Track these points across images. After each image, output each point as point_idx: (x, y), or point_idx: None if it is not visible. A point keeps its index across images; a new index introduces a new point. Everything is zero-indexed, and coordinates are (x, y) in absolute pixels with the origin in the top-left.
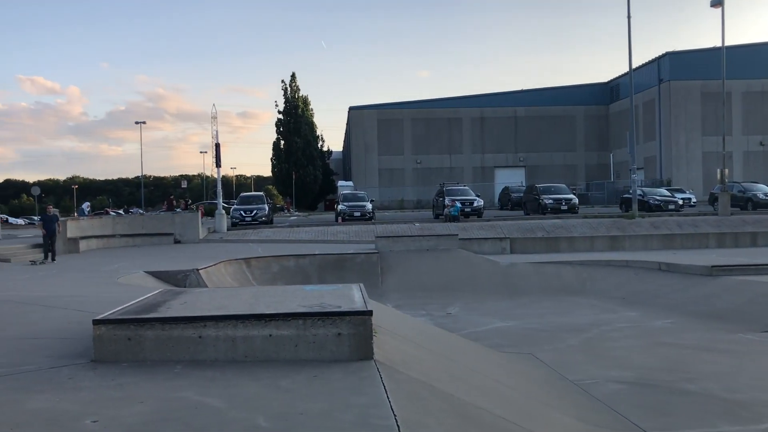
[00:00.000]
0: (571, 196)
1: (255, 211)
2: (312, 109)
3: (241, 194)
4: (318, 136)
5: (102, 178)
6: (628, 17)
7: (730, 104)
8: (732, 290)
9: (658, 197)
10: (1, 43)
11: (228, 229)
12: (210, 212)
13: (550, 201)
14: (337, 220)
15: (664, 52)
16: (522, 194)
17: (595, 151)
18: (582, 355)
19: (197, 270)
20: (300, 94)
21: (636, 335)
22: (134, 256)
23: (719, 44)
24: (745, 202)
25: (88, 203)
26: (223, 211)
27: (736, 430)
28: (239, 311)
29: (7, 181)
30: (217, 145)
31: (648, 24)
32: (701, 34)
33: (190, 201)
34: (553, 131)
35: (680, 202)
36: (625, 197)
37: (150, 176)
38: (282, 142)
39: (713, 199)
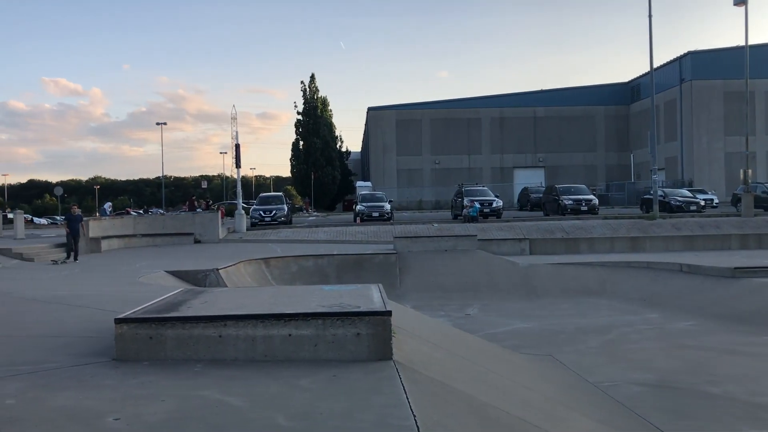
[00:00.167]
0: (591, 196)
1: (274, 212)
2: (331, 110)
3: (261, 194)
4: (337, 137)
5: (123, 178)
6: (650, 16)
7: (753, 104)
8: (755, 292)
9: (679, 198)
10: (26, 45)
11: (247, 229)
12: (230, 212)
13: (570, 202)
14: (355, 221)
15: (685, 52)
16: (541, 195)
17: (616, 152)
18: (602, 356)
19: (217, 270)
20: (319, 95)
21: (657, 337)
22: (155, 255)
23: (742, 43)
24: None
25: (110, 203)
26: (243, 212)
27: None
28: (259, 311)
29: (31, 182)
30: (237, 146)
31: (669, 23)
32: (723, 33)
33: (211, 201)
34: (573, 131)
35: (702, 203)
36: (645, 198)
37: (171, 177)
38: (301, 142)
39: (736, 200)
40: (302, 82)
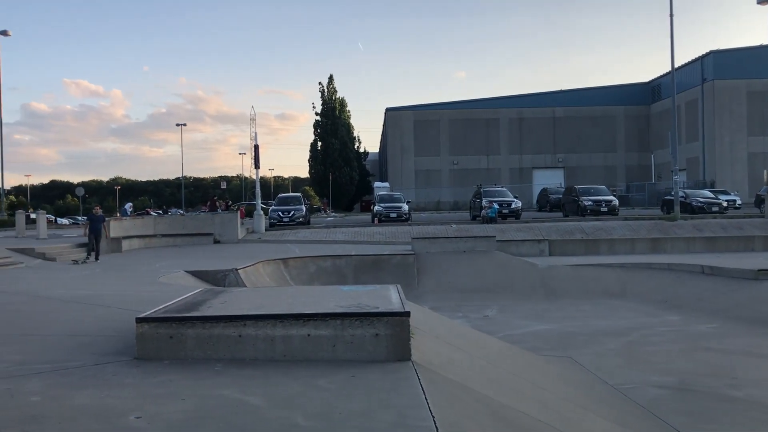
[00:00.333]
0: (611, 197)
1: (292, 212)
2: (349, 111)
3: (279, 195)
4: (355, 138)
5: (144, 179)
6: (671, 16)
7: None
8: None
9: (701, 199)
10: (49, 48)
11: (266, 230)
12: (250, 213)
13: (590, 202)
14: (373, 221)
15: (707, 51)
16: (561, 196)
17: (636, 152)
18: (622, 359)
19: (236, 270)
20: (337, 96)
21: (678, 339)
22: (175, 255)
23: (765, 42)
24: None
25: (130, 204)
26: (262, 212)
27: None
28: (278, 311)
29: (53, 182)
30: (256, 147)
31: (691, 23)
32: (746, 32)
33: (231, 201)
34: (593, 132)
35: (724, 203)
36: (666, 199)
37: (190, 177)
38: (319, 143)
39: (759, 201)
40: (320, 83)
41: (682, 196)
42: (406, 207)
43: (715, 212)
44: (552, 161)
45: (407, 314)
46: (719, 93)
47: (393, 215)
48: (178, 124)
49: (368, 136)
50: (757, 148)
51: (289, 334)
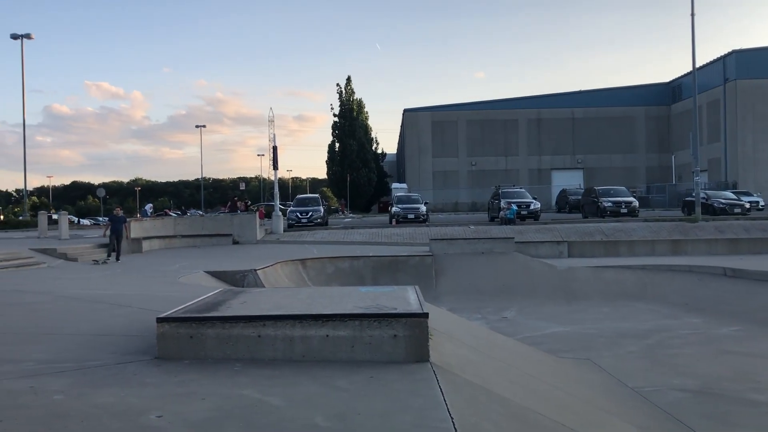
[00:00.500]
0: (631, 198)
1: (310, 213)
2: (367, 112)
3: (297, 196)
4: (372, 139)
5: (163, 180)
6: (692, 15)
7: None
8: None
9: (723, 200)
10: (71, 50)
11: (284, 231)
12: (269, 214)
13: (610, 204)
14: (391, 222)
15: (730, 51)
16: (580, 197)
17: (656, 153)
18: (642, 361)
19: (255, 270)
20: (355, 97)
21: (700, 342)
22: (194, 256)
23: None
24: None
25: (150, 204)
26: (280, 213)
27: None
28: (297, 311)
29: (74, 183)
30: (275, 148)
31: (712, 21)
32: None
33: (250, 202)
34: (612, 132)
35: (747, 205)
36: (687, 200)
37: (209, 178)
38: (337, 144)
39: None
40: (338, 85)
41: (704, 198)
42: (423, 208)
43: (737, 214)
44: (571, 162)
45: (426, 315)
46: (742, 93)
47: (411, 216)
48: (197, 126)
49: (386, 137)
50: None
51: (308, 335)
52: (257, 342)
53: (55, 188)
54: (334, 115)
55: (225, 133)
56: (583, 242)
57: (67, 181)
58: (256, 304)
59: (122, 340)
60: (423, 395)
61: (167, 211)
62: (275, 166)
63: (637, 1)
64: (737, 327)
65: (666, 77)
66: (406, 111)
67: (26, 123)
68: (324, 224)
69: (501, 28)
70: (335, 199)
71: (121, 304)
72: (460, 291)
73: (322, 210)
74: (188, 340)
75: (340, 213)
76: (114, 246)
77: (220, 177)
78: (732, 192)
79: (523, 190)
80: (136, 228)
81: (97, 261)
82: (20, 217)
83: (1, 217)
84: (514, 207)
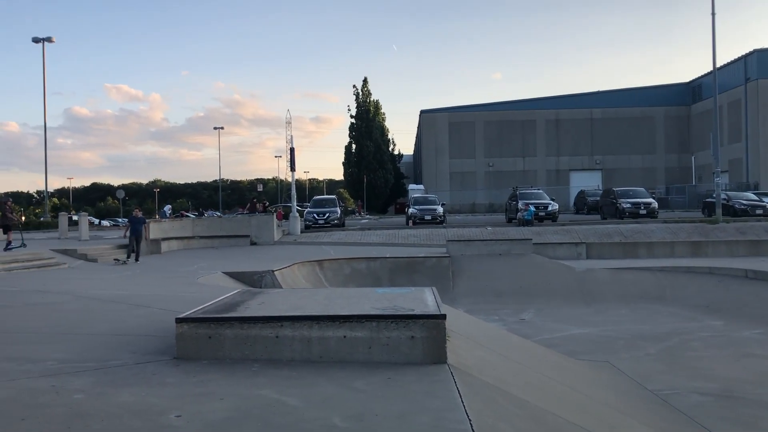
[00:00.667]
0: (650, 199)
1: (327, 214)
2: (383, 113)
3: (314, 197)
4: (389, 140)
5: (182, 181)
6: (713, 14)
7: None
8: None
9: (744, 201)
10: (91, 53)
11: (301, 232)
12: (287, 215)
13: (628, 205)
14: (407, 224)
15: (751, 50)
16: (598, 198)
17: (676, 154)
18: (662, 364)
19: (272, 271)
20: (371, 99)
21: (721, 345)
22: (212, 257)
23: None
24: None
25: (169, 206)
26: (297, 214)
27: None
28: (314, 312)
29: (94, 185)
30: (292, 150)
31: (733, 20)
32: None
33: (268, 203)
34: (631, 133)
35: None
36: (707, 201)
37: (227, 180)
38: (354, 146)
39: None
40: (355, 86)
41: (724, 199)
42: (440, 209)
43: (758, 215)
44: (589, 163)
45: (443, 317)
46: (763, 92)
47: (427, 217)
48: (215, 128)
49: (403, 138)
50: None
51: (326, 336)
52: (275, 342)
53: (75, 190)
54: (351, 117)
55: (243, 134)
56: (602, 244)
57: (87, 183)
58: (274, 305)
59: (141, 340)
60: (440, 397)
61: (183, 212)
62: (292, 168)
63: (657, 1)
64: (759, 330)
65: (686, 77)
66: (423, 112)
67: (47, 125)
68: (341, 225)
69: (518, 28)
70: (352, 200)
71: (141, 304)
72: (478, 292)
73: (339, 211)
74: (207, 340)
75: (357, 214)
76: (133, 247)
77: (238, 178)
78: (753, 193)
79: (540, 191)
80: (155, 229)
81: (118, 259)
82: (41, 219)
83: (23, 218)
84: (532, 208)
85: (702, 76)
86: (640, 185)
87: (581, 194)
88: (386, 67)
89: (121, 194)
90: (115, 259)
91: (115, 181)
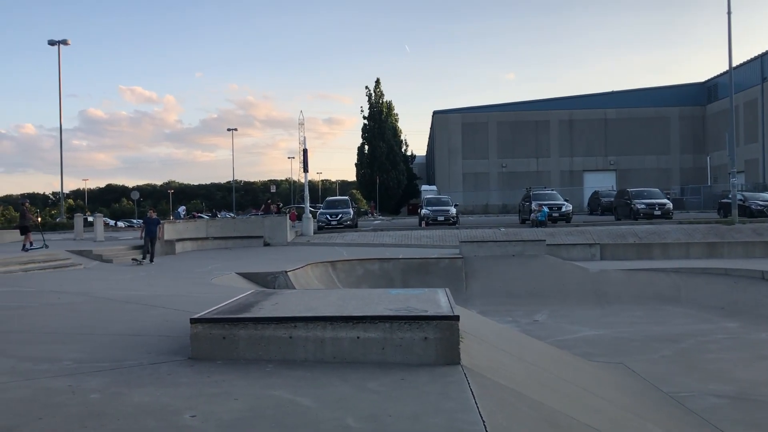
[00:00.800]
0: (665, 200)
1: (340, 215)
2: (396, 114)
3: (327, 198)
4: (402, 141)
5: (196, 182)
6: (728, 13)
7: None
8: None
9: (760, 202)
10: (106, 55)
11: (314, 233)
12: (300, 216)
13: (643, 206)
14: (420, 225)
15: (767, 49)
16: (612, 199)
17: (691, 154)
18: (677, 366)
19: (286, 272)
20: (384, 100)
21: (737, 347)
22: (226, 258)
23: None
24: None
25: (183, 207)
26: (310, 215)
27: None
28: (328, 313)
29: (109, 186)
30: (305, 151)
31: (750, 19)
32: None
33: (282, 204)
34: (646, 133)
35: None
36: (723, 202)
37: (241, 181)
38: (366, 147)
39: None
40: (367, 87)
41: (740, 199)
42: (453, 210)
43: None
44: (603, 164)
45: (456, 318)
46: None
47: (440, 218)
48: (229, 129)
49: (415, 139)
50: None
51: (339, 336)
52: (289, 343)
53: (90, 191)
54: (364, 118)
55: (256, 136)
56: (616, 245)
57: (102, 184)
58: (288, 306)
59: (156, 340)
60: (454, 398)
61: (195, 213)
62: (305, 169)
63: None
64: None
65: (701, 77)
66: (435, 113)
67: (63, 127)
68: (353, 226)
69: (532, 28)
70: (365, 201)
71: (155, 304)
72: (491, 294)
73: (352, 212)
74: (221, 340)
75: (370, 215)
76: (148, 248)
77: (251, 179)
78: None
79: (554, 192)
80: (169, 230)
81: (136, 259)
82: (57, 220)
83: (39, 219)
84: (546, 209)
85: (718, 76)
86: (655, 186)
87: (595, 195)
88: (399, 67)
89: (135, 195)
90: (133, 259)
91: (130, 183)
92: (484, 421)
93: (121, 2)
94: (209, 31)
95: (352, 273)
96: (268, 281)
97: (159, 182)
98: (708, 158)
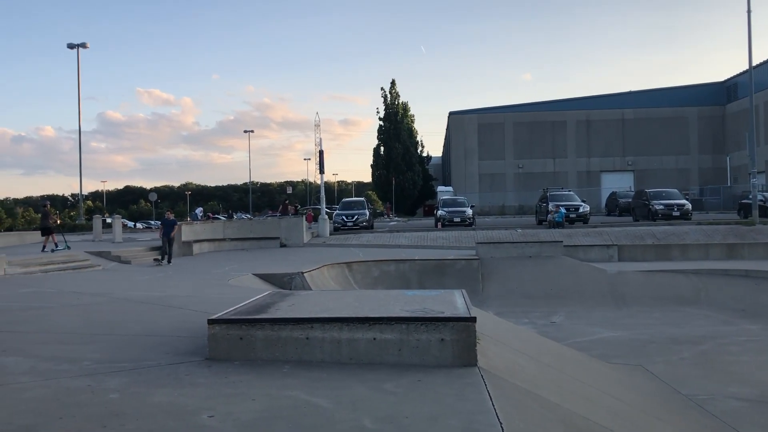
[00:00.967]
0: (684, 201)
1: (356, 216)
2: (412, 115)
3: (343, 200)
4: (417, 142)
5: (213, 184)
6: (748, 12)
7: None
8: None
9: None
10: (124, 58)
11: (330, 234)
12: (317, 217)
13: (661, 206)
14: (436, 226)
15: None
16: (630, 199)
17: (710, 154)
18: (696, 368)
19: (302, 273)
20: (400, 101)
21: (758, 350)
22: (243, 259)
23: None
24: None
25: (201, 208)
26: (326, 216)
27: None
28: (344, 314)
29: (127, 188)
30: (321, 152)
31: None
32: None
33: (299, 205)
34: (664, 133)
35: None
36: (743, 202)
37: (257, 182)
38: (382, 148)
39: None
40: (383, 89)
41: (761, 200)
42: (469, 211)
43: None
44: (621, 164)
45: (473, 319)
46: None
47: (456, 219)
48: (245, 131)
49: (431, 140)
50: None
51: (355, 338)
52: (305, 344)
53: (108, 193)
54: (380, 119)
55: (272, 137)
56: (634, 246)
57: (121, 186)
58: (304, 307)
59: (174, 340)
60: (471, 400)
61: (210, 215)
62: (321, 170)
63: None
64: None
65: (721, 76)
66: (451, 114)
67: (81, 129)
68: (369, 227)
69: (548, 28)
70: (380, 202)
71: (173, 305)
72: (508, 295)
73: (368, 213)
74: (238, 341)
75: (386, 216)
76: (166, 249)
77: (268, 181)
78: None
79: (571, 192)
80: (187, 231)
81: (157, 259)
82: (76, 221)
83: (59, 220)
84: (563, 210)
85: (737, 75)
86: (673, 186)
87: (613, 196)
88: (414, 68)
89: (153, 197)
90: (154, 259)
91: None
92: (501, 423)
93: (139, 6)
94: (226, 33)
95: (368, 274)
96: (284, 282)
97: (176, 184)
98: (728, 158)
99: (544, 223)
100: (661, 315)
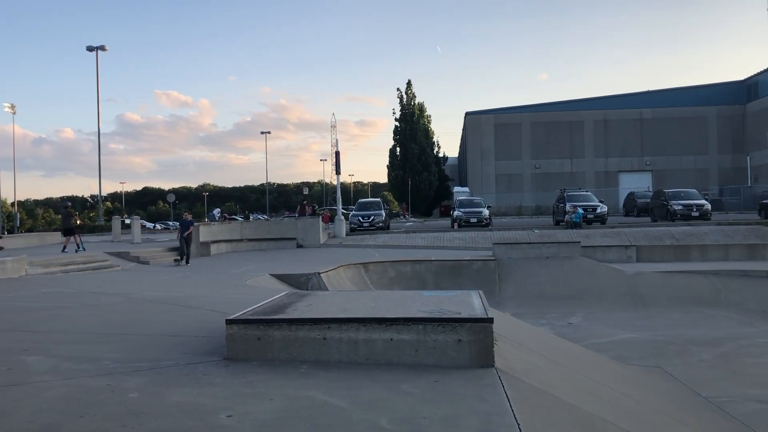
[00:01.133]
0: (703, 201)
1: (372, 217)
2: (428, 116)
3: (359, 200)
4: (434, 142)
5: (230, 185)
6: None
7: None
8: None
9: None
10: (142, 61)
11: (347, 234)
12: (333, 218)
13: (680, 207)
14: (452, 226)
15: None
16: (648, 200)
17: (730, 154)
18: (716, 370)
19: (319, 273)
20: (416, 101)
21: None
22: (260, 259)
23: None
24: None
25: (218, 209)
26: (343, 217)
27: None
28: (361, 315)
29: (145, 189)
30: (337, 153)
31: None
32: None
33: (317, 206)
34: (683, 133)
35: None
36: (764, 203)
37: (274, 183)
38: (398, 148)
39: None
40: (398, 89)
41: None
42: (486, 212)
43: None
44: (639, 164)
45: (490, 320)
46: None
47: (473, 220)
48: (262, 132)
49: (447, 141)
50: None
51: (372, 338)
52: (322, 344)
53: (127, 194)
54: (396, 120)
55: (289, 138)
56: (653, 247)
57: (139, 187)
58: (321, 307)
59: (192, 340)
60: (488, 400)
61: (227, 215)
62: (338, 171)
63: None
64: None
65: (740, 75)
66: (467, 114)
67: (100, 131)
68: (385, 228)
69: (565, 27)
70: (396, 203)
71: (191, 305)
72: (525, 296)
73: (384, 214)
74: (256, 341)
75: (402, 217)
76: (184, 249)
77: (284, 182)
78: None
79: (589, 193)
80: (204, 232)
81: (177, 259)
82: (96, 222)
83: (79, 221)
84: (580, 210)
85: (758, 74)
86: (693, 186)
87: (631, 196)
88: (431, 69)
89: (171, 198)
90: (174, 260)
91: (166, 185)
92: (519, 425)
93: (157, 9)
94: (242, 35)
95: (385, 275)
96: (301, 282)
97: (194, 185)
98: (748, 158)
99: (561, 223)
100: (679, 316)
